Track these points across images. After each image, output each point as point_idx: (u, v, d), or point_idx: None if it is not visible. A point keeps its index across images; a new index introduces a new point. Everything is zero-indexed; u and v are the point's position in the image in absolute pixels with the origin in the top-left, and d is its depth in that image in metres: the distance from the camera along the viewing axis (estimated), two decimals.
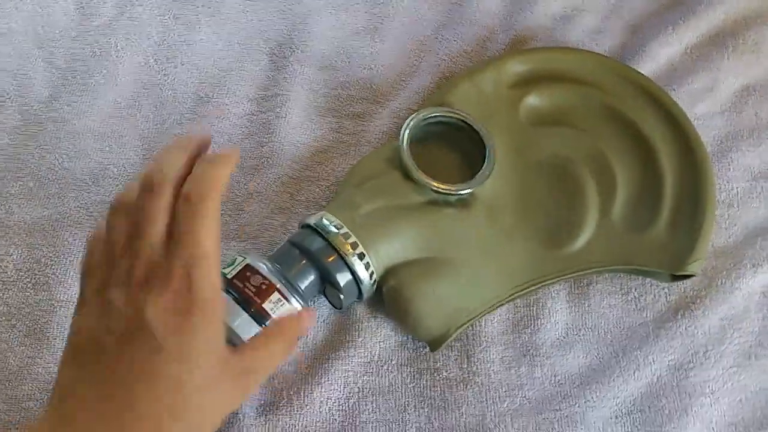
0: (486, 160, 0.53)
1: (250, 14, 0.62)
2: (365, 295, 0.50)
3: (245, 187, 0.56)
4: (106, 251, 0.36)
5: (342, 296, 0.48)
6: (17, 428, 0.47)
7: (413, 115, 0.53)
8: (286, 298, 0.46)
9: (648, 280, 0.53)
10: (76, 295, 0.46)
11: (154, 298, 0.33)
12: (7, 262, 0.52)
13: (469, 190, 0.52)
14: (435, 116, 0.54)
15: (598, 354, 0.51)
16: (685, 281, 0.53)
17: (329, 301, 0.51)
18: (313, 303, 0.51)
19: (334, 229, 0.48)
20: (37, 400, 0.48)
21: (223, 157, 0.36)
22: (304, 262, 0.48)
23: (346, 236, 0.48)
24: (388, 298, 0.50)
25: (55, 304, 0.51)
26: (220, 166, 0.36)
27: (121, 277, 0.35)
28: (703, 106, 0.59)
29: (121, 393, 0.33)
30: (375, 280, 0.49)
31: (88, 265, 0.37)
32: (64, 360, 0.36)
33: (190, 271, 0.34)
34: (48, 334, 0.50)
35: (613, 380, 0.50)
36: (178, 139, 0.37)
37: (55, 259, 0.52)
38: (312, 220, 0.49)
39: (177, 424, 0.34)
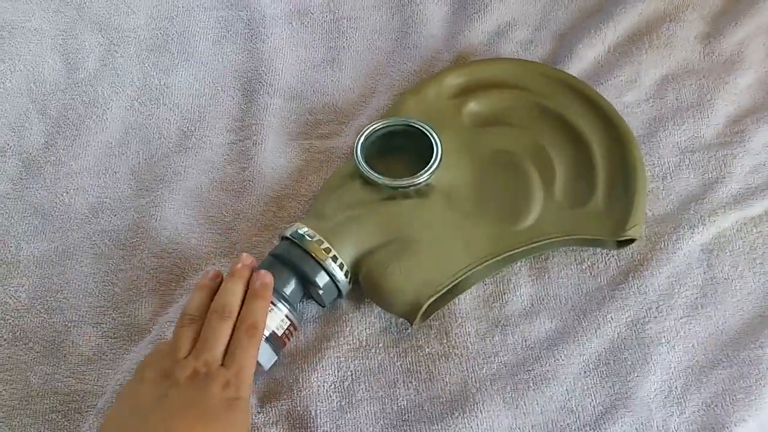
0: (434, 153, 0.59)
1: (221, 56, 0.69)
2: (344, 291, 0.55)
3: (232, 208, 0.61)
4: (171, 351, 0.46)
5: (322, 293, 0.53)
6: None
7: (363, 129, 0.60)
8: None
9: (598, 250, 0.59)
10: (88, 316, 0.54)
11: (215, 385, 0.44)
12: (21, 292, 0.56)
13: (422, 180, 0.57)
14: (384, 126, 0.60)
15: (561, 318, 0.57)
16: (630, 247, 0.59)
17: (315, 301, 0.56)
18: (302, 305, 0.56)
19: (308, 238, 0.53)
20: (59, 412, 0.52)
21: (266, 290, 0.49)
22: (286, 271, 0.53)
23: (320, 243, 0.53)
24: (363, 283, 0.55)
25: (69, 325, 0.55)
26: (266, 300, 0.49)
27: (186, 369, 0.44)
28: (630, 96, 0.67)
29: None
30: (349, 276, 0.54)
31: (151, 357, 0.46)
32: (112, 417, 0.44)
33: (239, 375, 0.45)
34: (64, 352, 0.54)
35: (578, 340, 0.55)
36: (239, 270, 0.50)
37: (65, 285, 0.57)
38: (288, 232, 0.54)
39: None
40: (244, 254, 0.51)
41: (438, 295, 0.55)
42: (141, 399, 0.43)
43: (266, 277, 0.50)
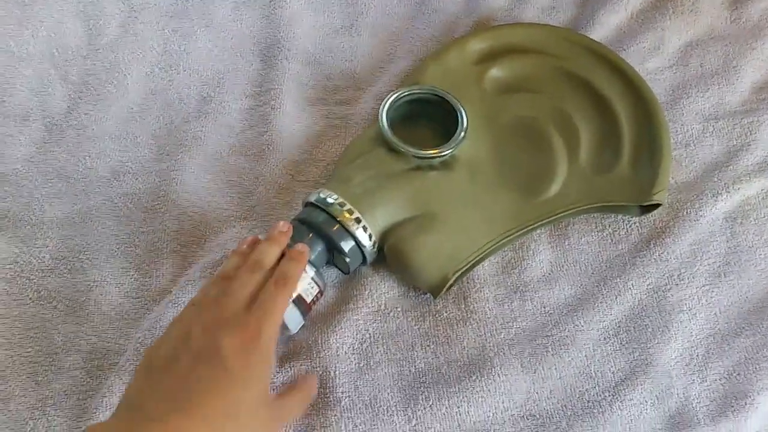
0: (459, 124, 0.58)
1: (240, 22, 0.69)
2: (369, 258, 0.55)
3: (251, 172, 0.61)
4: (195, 308, 0.46)
5: (348, 260, 0.53)
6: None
7: (388, 96, 0.59)
8: None
9: (620, 217, 0.59)
10: (110, 276, 0.55)
11: (230, 336, 0.43)
12: (44, 252, 0.57)
13: (448, 152, 0.57)
14: (409, 93, 0.60)
15: (581, 285, 0.56)
16: (652, 214, 0.58)
17: (338, 268, 0.56)
18: (325, 269, 0.56)
19: (331, 201, 0.53)
20: (82, 369, 0.53)
21: (303, 256, 0.49)
22: (311, 235, 0.53)
23: (343, 205, 0.53)
24: (389, 256, 0.55)
25: (91, 285, 0.56)
26: (300, 264, 0.49)
27: (206, 319, 0.44)
28: (653, 63, 0.66)
29: (186, 401, 0.40)
30: (375, 242, 0.54)
31: (179, 318, 0.46)
32: (138, 374, 0.43)
33: (261, 325, 0.44)
34: (87, 311, 0.55)
35: (598, 306, 0.55)
36: (276, 235, 0.50)
37: (87, 246, 0.57)
38: (313, 197, 0.54)
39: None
40: (282, 222, 0.51)
41: (463, 270, 0.55)
42: (155, 359, 0.43)
43: (303, 247, 0.50)
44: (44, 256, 0.57)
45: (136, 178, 0.61)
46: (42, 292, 0.56)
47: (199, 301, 0.46)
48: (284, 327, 0.50)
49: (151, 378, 0.42)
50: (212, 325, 0.43)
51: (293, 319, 0.50)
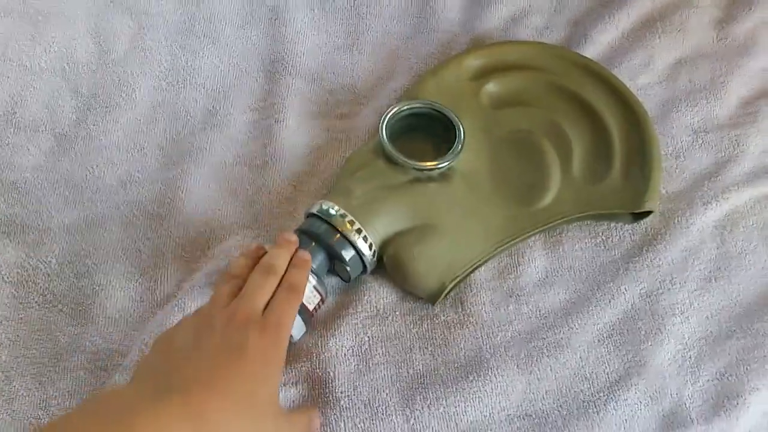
0: (456, 137, 0.60)
1: (245, 39, 0.72)
2: (369, 268, 0.56)
3: (255, 182, 0.63)
4: (210, 303, 0.48)
5: (349, 269, 0.55)
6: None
7: (388, 110, 0.61)
8: None
9: (613, 224, 0.60)
10: (115, 281, 0.56)
11: (255, 332, 0.44)
12: (51, 257, 0.58)
13: (446, 164, 0.58)
14: (408, 108, 0.61)
15: (575, 289, 0.58)
16: (644, 222, 0.60)
17: (339, 276, 0.57)
18: (325, 278, 0.57)
19: (333, 212, 0.55)
20: (86, 369, 0.54)
21: (306, 263, 0.52)
22: (313, 245, 0.54)
23: (344, 216, 0.55)
24: (388, 265, 0.56)
25: (97, 289, 0.57)
26: (306, 270, 0.51)
27: (224, 315, 0.45)
28: (643, 79, 0.68)
29: (209, 378, 0.41)
30: (375, 252, 0.55)
31: (199, 311, 0.48)
32: (153, 354, 0.45)
33: (279, 327, 0.46)
34: (92, 314, 0.56)
35: (592, 309, 0.56)
36: (285, 242, 0.52)
37: (93, 252, 0.59)
38: (315, 208, 0.56)
39: (243, 421, 0.42)
40: (287, 232, 0.53)
41: (460, 279, 0.56)
42: (175, 342, 0.44)
43: (306, 255, 0.52)
44: (51, 261, 0.58)
45: (143, 187, 0.63)
46: (48, 296, 0.57)
47: (219, 295, 0.48)
48: None
49: (170, 357, 0.43)
50: (237, 321, 0.45)
51: (296, 326, 0.52)
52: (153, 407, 0.38)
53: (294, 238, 0.53)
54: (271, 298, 0.48)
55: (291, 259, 0.52)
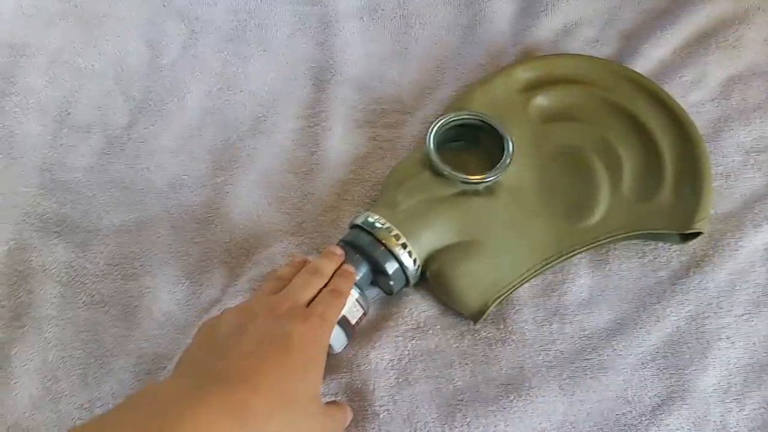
0: (505, 150, 0.59)
1: (295, 48, 0.72)
2: (412, 281, 0.56)
3: (300, 189, 0.64)
4: (259, 299, 0.48)
5: (392, 282, 0.55)
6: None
7: (436, 121, 0.60)
8: None
9: (661, 244, 0.59)
10: (162, 284, 0.57)
11: (300, 326, 0.45)
12: (99, 258, 0.59)
13: (494, 178, 0.58)
14: (456, 119, 0.61)
15: (620, 310, 0.57)
16: (692, 243, 0.59)
17: (381, 289, 0.57)
18: (368, 291, 0.57)
19: (379, 225, 0.54)
20: (131, 371, 0.55)
21: (351, 274, 0.52)
22: (357, 256, 0.54)
23: (390, 230, 0.54)
24: (432, 280, 0.56)
25: (143, 291, 0.58)
26: (351, 281, 0.52)
27: (273, 307, 0.46)
28: (695, 96, 0.67)
29: (252, 372, 0.41)
30: (419, 266, 0.55)
31: (242, 304, 0.48)
32: (198, 343, 0.45)
33: (322, 321, 0.46)
34: (138, 316, 0.57)
35: (637, 331, 0.55)
36: (332, 254, 0.53)
37: (141, 253, 0.60)
38: (359, 220, 0.56)
39: (285, 416, 0.42)
40: (333, 246, 0.54)
41: (503, 297, 0.56)
42: (218, 332, 0.44)
43: (351, 268, 0.53)
44: (99, 262, 0.59)
45: (192, 191, 0.63)
46: (95, 296, 0.58)
47: (262, 292, 0.49)
48: (329, 346, 0.51)
49: (212, 347, 0.44)
50: (282, 313, 0.45)
51: (338, 338, 0.52)
52: (196, 399, 0.38)
53: (340, 251, 0.53)
54: (316, 296, 0.48)
55: (336, 269, 0.52)
